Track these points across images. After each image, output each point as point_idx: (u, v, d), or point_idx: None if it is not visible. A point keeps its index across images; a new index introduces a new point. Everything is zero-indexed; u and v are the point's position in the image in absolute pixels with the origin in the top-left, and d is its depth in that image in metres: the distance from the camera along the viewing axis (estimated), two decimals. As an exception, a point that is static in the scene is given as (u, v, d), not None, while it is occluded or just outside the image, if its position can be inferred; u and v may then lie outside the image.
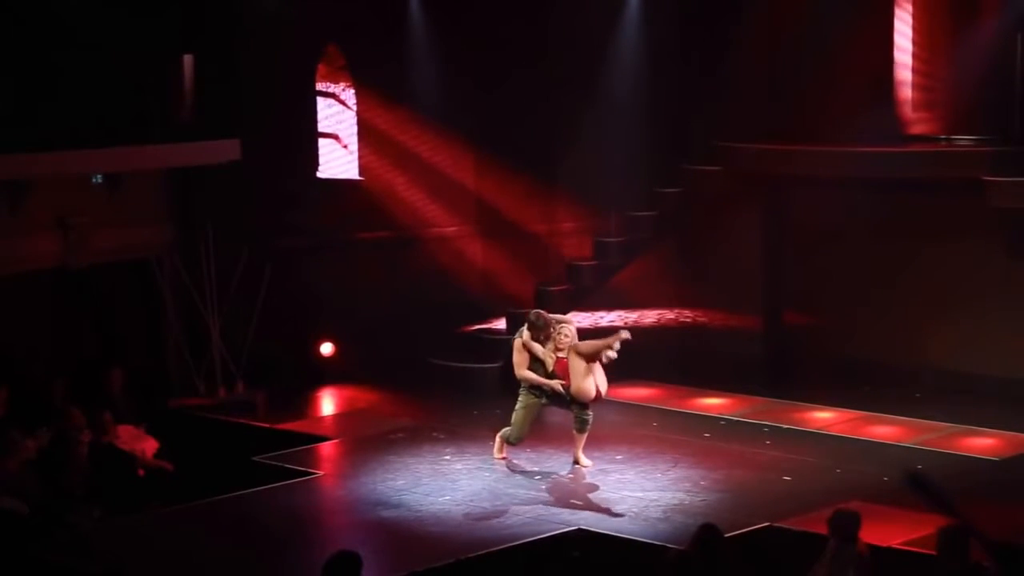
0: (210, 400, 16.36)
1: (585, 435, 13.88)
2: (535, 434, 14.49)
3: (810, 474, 13.68)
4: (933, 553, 8.97)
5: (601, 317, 18.63)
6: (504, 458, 14.15)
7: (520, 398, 13.91)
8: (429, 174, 18.68)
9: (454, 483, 13.57)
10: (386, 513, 12.82)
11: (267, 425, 15.64)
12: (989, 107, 16.67)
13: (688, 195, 18.19)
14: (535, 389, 13.83)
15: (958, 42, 17.17)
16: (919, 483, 7.98)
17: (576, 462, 13.95)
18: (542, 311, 14.15)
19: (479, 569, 11.41)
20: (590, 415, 13.79)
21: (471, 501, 13.05)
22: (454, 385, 17.06)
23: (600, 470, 13.82)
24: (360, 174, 18.40)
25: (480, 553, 11.61)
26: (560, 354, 13.75)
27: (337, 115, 18.36)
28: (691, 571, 9.22)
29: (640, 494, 13.11)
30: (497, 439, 14.16)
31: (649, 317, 18.72)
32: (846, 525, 9.57)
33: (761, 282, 18.10)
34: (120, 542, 12.35)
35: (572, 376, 13.59)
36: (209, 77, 16.35)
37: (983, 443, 14.67)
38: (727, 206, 17.94)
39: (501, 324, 17.66)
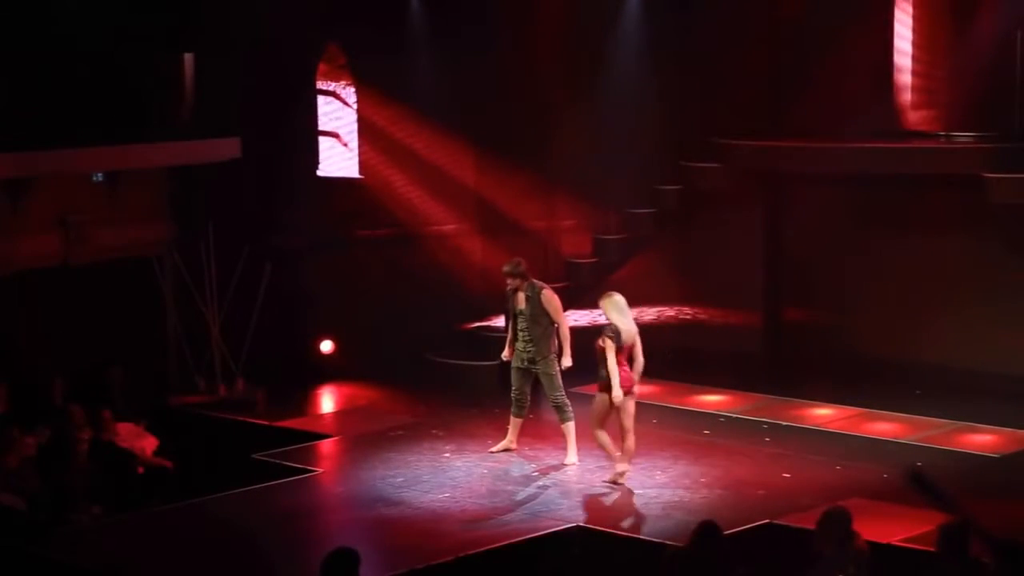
0: (210, 397, 16.36)
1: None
2: (536, 432, 14.52)
3: (810, 471, 13.67)
4: (933, 550, 8.97)
5: (600, 315, 18.59)
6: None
7: None
8: (429, 172, 18.67)
9: (453, 480, 13.57)
10: (386, 510, 12.82)
11: (267, 422, 15.64)
12: (989, 103, 16.67)
13: (687, 192, 18.20)
14: None
15: (958, 38, 17.17)
16: (919, 480, 7.98)
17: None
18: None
19: (479, 566, 11.42)
20: None
21: (470, 498, 13.05)
22: (453, 382, 17.06)
23: (599, 467, 13.81)
24: (360, 172, 18.40)
25: (480, 550, 11.61)
26: None
27: (337, 113, 18.36)
28: (690, 568, 9.23)
29: (640, 491, 13.11)
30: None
31: (649, 314, 18.69)
32: (835, 529, 9.49)
33: (760, 279, 18.09)
34: (120, 540, 12.36)
35: None
36: (209, 76, 16.35)
37: (983, 439, 14.66)
38: (726, 203, 17.93)
39: (500, 322, 17.65)
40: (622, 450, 13.39)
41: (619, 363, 13.18)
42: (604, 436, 13.40)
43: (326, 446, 15.03)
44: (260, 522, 12.67)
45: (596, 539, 12.03)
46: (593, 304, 18.44)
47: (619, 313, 13.30)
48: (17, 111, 14.93)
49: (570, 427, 13.96)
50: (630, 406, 13.31)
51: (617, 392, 13.14)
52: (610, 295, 13.49)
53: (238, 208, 16.73)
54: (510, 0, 18.38)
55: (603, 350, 13.16)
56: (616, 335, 13.16)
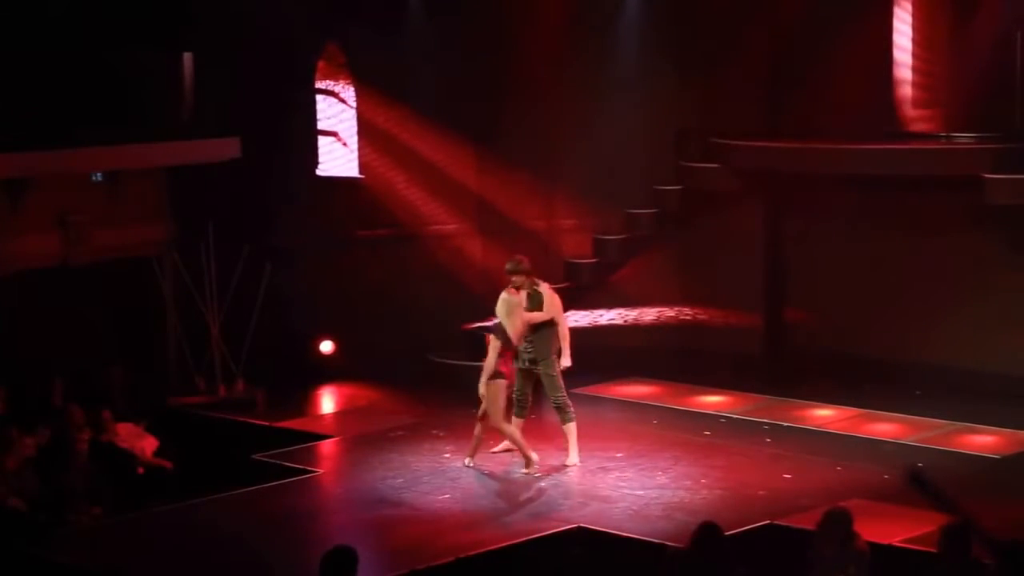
0: (210, 398, 16.35)
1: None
2: (537, 432, 14.50)
3: (810, 472, 13.66)
4: (934, 550, 8.97)
5: (600, 315, 18.62)
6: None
7: None
8: (429, 172, 18.65)
9: (454, 481, 13.56)
10: (386, 511, 12.81)
11: (267, 423, 15.63)
12: (989, 104, 16.66)
13: (688, 192, 18.20)
14: None
15: (958, 39, 17.16)
16: (920, 481, 7.97)
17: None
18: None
19: (480, 567, 11.40)
20: None
21: (471, 499, 13.05)
22: (454, 383, 17.02)
23: (600, 468, 13.81)
24: (360, 172, 18.39)
25: (480, 551, 11.60)
26: None
27: (337, 113, 18.35)
28: (691, 569, 9.22)
29: (640, 492, 13.10)
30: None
31: (649, 315, 18.69)
32: (836, 529, 9.48)
33: (760, 279, 18.08)
34: (120, 540, 12.36)
35: None
36: (209, 76, 16.34)
37: (983, 440, 14.66)
38: (727, 203, 17.93)
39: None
40: (475, 434, 13.89)
41: (505, 359, 13.67)
42: (513, 430, 13.79)
43: (326, 447, 15.02)
44: (260, 523, 12.66)
45: (597, 540, 12.02)
46: (593, 304, 18.59)
47: (506, 314, 13.67)
48: (16, 111, 14.93)
49: (571, 428, 13.95)
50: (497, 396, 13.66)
51: (483, 386, 13.59)
52: (504, 295, 13.83)
53: (238, 208, 16.72)
54: (510, 0, 18.37)
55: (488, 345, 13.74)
56: (503, 335, 13.61)
